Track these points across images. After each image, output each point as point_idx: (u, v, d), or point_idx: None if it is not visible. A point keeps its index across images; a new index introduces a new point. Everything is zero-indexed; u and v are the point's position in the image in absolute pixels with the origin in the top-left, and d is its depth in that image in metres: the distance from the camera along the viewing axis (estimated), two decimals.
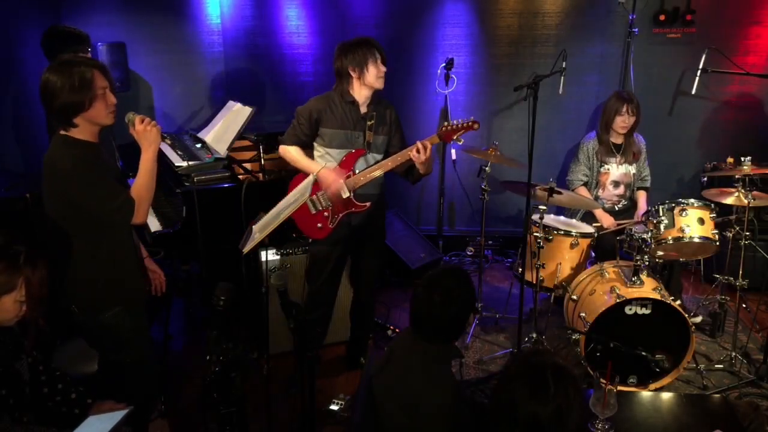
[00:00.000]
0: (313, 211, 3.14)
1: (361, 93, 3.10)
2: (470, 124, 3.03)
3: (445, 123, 3.06)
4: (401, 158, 3.06)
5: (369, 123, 3.13)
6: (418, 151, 2.98)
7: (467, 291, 2.08)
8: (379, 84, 3.09)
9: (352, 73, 3.05)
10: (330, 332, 3.62)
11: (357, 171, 3.12)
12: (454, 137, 3.05)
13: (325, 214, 3.15)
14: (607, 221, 3.96)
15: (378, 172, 3.10)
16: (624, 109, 3.96)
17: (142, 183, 2.34)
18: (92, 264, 2.35)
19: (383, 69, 3.07)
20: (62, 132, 2.27)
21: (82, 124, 2.26)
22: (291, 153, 3.21)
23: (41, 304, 2.00)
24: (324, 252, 3.23)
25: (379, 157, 3.20)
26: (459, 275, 2.16)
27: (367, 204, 3.17)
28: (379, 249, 3.50)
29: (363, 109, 3.13)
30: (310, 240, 3.26)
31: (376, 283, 3.54)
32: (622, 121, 3.98)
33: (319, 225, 3.16)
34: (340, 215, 3.15)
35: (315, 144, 3.21)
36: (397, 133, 3.26)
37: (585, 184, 4.15)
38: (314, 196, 3.14)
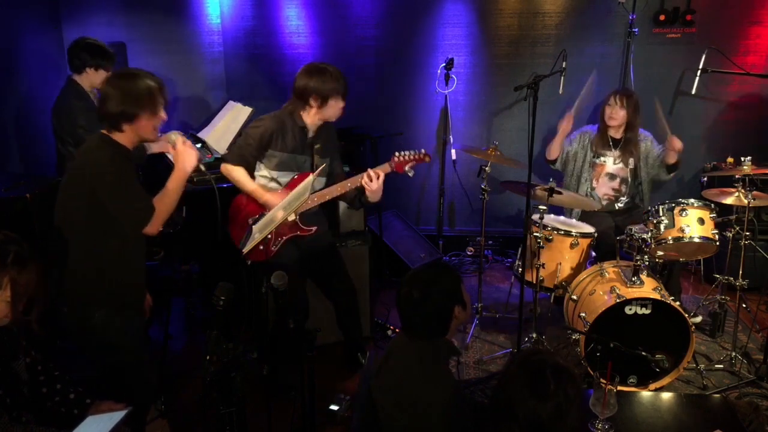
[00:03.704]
0: None
1: (314, 121, 3.08)
2: (422, 156, 3.05)
3: (397, 153, 3.03)
4: (351, 184, 3.04)
5: (316, 147, 3.12)
6: (369, 179, 2.97)
7: (448, 283, 2.06)
8: (334, 119, 3.09)
9: (312, 102, 3.02)
10: (330, 332, 3.62)
11: None
12: (406, 168, 3.04)
13: (268, 236, 3.07)
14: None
15: (328, 197, 3.07)
16: (612, 99, 3.91)
17: (167, 198, 2.41)
18: (94, 262, 2.35)
19: (342, 104, 3.06)
20: (104, 132, 2.34)
21: (128, 131, 2.33)
22: (236, 174, 3.10)
23: (29, 305, 1.99)
24: None
25: (323, 180, 3.17)
26: (437, 269, 2.17)
27: (314, 228, 3.13)
28: (337, 266, 3.38)
29: (311, 134, 3.12)
30: (249, 263, 3.13)
31: (352, 294, 3.43)
32: (610, 112, 3.91)
33: (261, 246, 3.07)
34: (284, 238, 3.09)
35: (261, 165, 3.14)
36: (337, 157, 3.26)
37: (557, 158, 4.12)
38: (257, 217, 3.10)
